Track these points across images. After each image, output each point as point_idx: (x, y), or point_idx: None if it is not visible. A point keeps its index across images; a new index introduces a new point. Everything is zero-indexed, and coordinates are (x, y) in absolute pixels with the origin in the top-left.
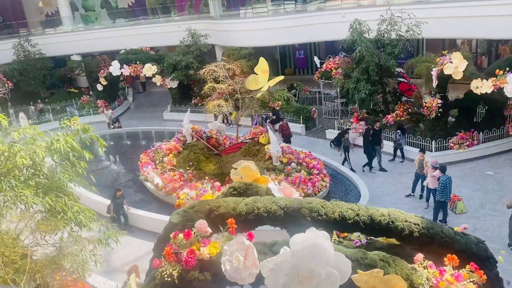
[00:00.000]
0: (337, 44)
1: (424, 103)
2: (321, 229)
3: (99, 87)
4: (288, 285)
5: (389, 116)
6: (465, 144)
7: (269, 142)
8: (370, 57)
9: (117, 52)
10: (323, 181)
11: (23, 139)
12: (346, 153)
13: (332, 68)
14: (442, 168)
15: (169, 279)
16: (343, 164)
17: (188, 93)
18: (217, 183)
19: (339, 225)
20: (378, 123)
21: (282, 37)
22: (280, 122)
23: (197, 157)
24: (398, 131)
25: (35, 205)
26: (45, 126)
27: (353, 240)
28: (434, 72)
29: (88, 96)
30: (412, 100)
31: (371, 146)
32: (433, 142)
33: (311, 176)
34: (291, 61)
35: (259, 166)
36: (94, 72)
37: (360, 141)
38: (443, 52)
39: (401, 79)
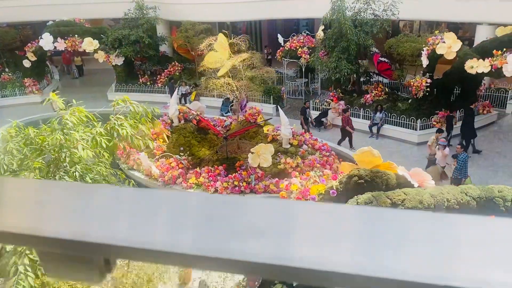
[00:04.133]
0: (279, 23)
1: (412, 83)
2: None
3: (26, 63)
4: None
5: (367, 96)
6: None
7: (266, 124)
8: (351, 36)
9: (31, 24)
10: (338, 163)
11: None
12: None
13: (297, 47)
14: (464, 146)
15: None
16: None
17: (134, 71)
18: (328, 171)
19: None
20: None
21: (240, 12)
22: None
23: (188, 141)
24: (383, 110)
25: None
26: None
27: None
28: (424, 52)
29: (8, 74)
30: (387, 80)
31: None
32: (418, 120)
33: (325, 158)
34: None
35: None
36: (10, 45)
37: (338, 121)
38: (435, 32)
39: (383, 59)
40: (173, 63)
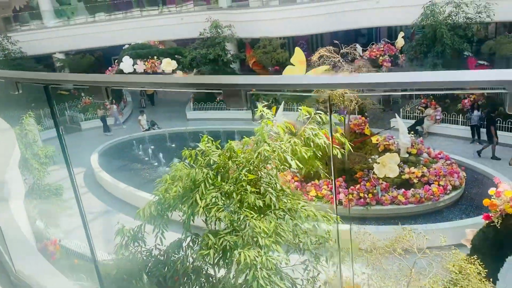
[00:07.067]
0: (340, 34)
1: None
2: None
3: None
4: None
5: (465, 101)
6: None
7: (372, 134)
8: (447, 40)
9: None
10: (461, 171)
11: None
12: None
13: (378, 55)
14: None
15: None
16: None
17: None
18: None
19: None
20: None
21: (314, 25)
22: None
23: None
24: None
25: None
26: (47, 133)
27: None
28: None
29: (89, 98)
30: None
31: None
32: None
33: (449, 166)
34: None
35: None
36: (87, 71)
37: (434, 128)
38: None
39: (482, 62)
40: None
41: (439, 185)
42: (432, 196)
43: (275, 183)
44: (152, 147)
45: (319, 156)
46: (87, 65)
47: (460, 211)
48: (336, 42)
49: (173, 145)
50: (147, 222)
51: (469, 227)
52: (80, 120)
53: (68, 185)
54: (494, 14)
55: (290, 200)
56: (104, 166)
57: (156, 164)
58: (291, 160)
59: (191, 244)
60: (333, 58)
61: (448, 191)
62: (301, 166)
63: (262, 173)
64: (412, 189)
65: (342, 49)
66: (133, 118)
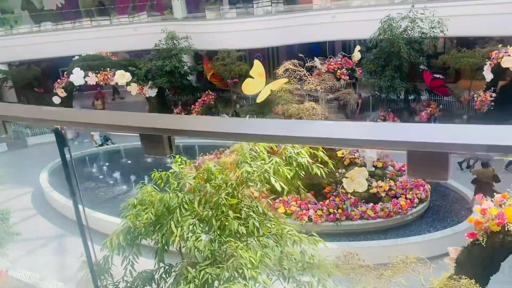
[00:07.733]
0: (295, 47)
1: (475, 98)
2: None
3: (56, 100)
4: None
5: (423, 113)
6: None
7: (339, 148)
8: (404, 54)
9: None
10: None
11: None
12: None
13: (336, 69)
14: None
15: None
16: None
17: (166, 102)
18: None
19: None
20: None
21: (271, 38)
22: None
23: None
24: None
25: None
26: None
27: None
28: (487, 66)
29: None
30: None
31: None
32: None
33: (413, 180)
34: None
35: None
36: (31, 83)
37: None
38: (499, 46)
39: (438, 76)
40: (206, 92)
41: (406, 198)
42: (400, 210)
43: (257, 207)
44: (107, 164)
45: (302, 175)
46: (33, 77)
47: (427, 225)
48: (301, 55)
49: (129, 161)
50: (115, 252)
51: (438, 241)
52: (26, 135)
53: (14, 209)
54: (447, 30)
55: (274, 225)
56: (55, 185)
57: (111, 182)
58: (275, 181)
59: (164, 276)
60: (298, 71)
61: (415, 204)
62: (285, 187)
63: (242, 195)
64: (380, 203)
65: (307, 62)
66: (85, 133)
